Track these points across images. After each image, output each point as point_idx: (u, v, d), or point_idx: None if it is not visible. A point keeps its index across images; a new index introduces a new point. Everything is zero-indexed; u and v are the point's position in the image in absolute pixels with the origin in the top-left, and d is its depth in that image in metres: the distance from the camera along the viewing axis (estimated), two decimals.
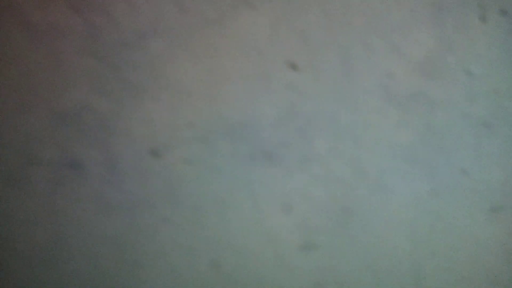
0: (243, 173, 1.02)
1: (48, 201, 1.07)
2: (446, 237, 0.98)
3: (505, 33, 1.01)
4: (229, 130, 1.03)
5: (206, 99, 1.04)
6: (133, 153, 1.02)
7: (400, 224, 0.98)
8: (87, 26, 0.96)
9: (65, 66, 0.99)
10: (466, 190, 0.99)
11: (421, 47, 0.99)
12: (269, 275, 1.02)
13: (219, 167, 1.02)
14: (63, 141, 1.01)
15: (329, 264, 1.00)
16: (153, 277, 1.05)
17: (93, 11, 0.96)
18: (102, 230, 1.06)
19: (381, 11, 0.99)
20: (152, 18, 0.98)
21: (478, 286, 0.98)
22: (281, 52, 0.99)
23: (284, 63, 1.00)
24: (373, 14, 0.99)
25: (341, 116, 0.99)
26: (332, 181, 0.99)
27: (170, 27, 0.99)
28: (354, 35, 0.99)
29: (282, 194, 1.01)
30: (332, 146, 0.99)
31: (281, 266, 1.01)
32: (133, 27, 0.97)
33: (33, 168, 1.04)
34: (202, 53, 0.99)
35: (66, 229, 1.08)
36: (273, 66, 1.00)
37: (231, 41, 1.00)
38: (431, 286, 0.98)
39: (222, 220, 1.03)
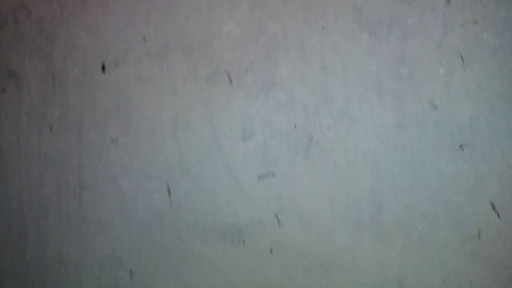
0: (201, 94, 0.94)
1: None
2: (410, 171, 0.95)
3: None
4: (187, 46, 0.93)
5: (163, 10, 0.92)
6: (78, 66, 0.92)
7: (363, 156, 0.94)
8: None
9: None
10: (435, 124, 0.94)
11: None
12: (226, 203, 0.97)
13: (174, 86, 0.93)
14: None
15: (288, 195, 0.96)
16: (100, 202, 0.99)
17: None
18: (44, 150, 0.98)
19: None
20: None
21: (438, 224, 0.96)
22: None
23: None
24: None
25: (309, 38, 0.91)
26: (296, 108, 0.93)
27: None
28: None
29: (242, 119, 0.95)
30: (297, 70, 0.93)
31: (239, 194, 0.97)
32: None
33: None
34: None
35: (3, 147, 1.00)
36: None
37: None
38: (390, 222, 0.96)
39: (177, 144, 0.96)
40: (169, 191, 0.97)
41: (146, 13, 0.91)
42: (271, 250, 0.98)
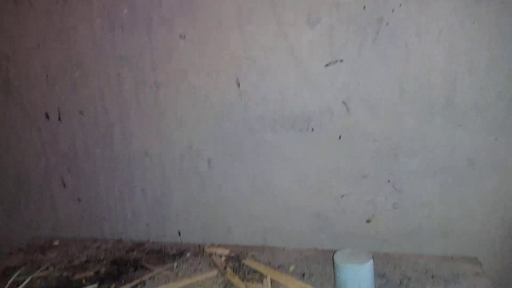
0: None
1: (56, 19, 1.02)
2: (487, 49, 0.89)
3: None
4: None
5: None
6: None
7: (437, 34, 0.89)
8: None
9: None
10: None
11: None
12: (294, 93, 0.98)
13: None
14: None
15: (357, 81, 0.95)
16: (176, 97, 1.04)
17: None
18: (118, 50, 1.03)
19: None
20: None
21: None
22: None
23: None
24: None
25: None
26: None
27: None
28: None
29: (307, 3, 0.92)
30: None
31: (305, 83, 0.97)
32: None
33: None
34: None
35: (80, 49, 1.05)
36: None
37: None
38: (463, 104, 0.93)
39: (243, 36, 0.96)
40: (238, 84, 1.00)
41: None
42: (339, 136, 1.00)
